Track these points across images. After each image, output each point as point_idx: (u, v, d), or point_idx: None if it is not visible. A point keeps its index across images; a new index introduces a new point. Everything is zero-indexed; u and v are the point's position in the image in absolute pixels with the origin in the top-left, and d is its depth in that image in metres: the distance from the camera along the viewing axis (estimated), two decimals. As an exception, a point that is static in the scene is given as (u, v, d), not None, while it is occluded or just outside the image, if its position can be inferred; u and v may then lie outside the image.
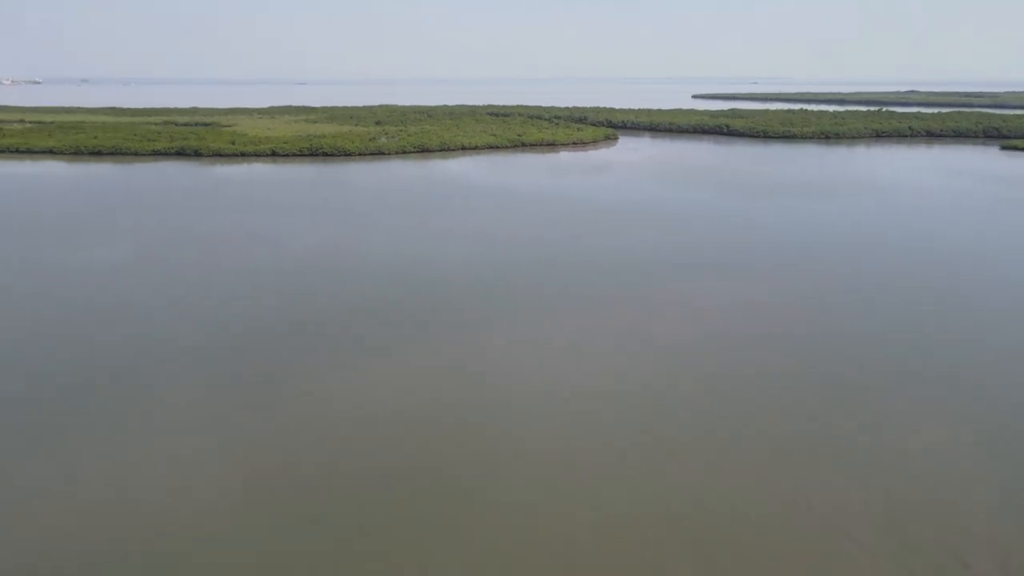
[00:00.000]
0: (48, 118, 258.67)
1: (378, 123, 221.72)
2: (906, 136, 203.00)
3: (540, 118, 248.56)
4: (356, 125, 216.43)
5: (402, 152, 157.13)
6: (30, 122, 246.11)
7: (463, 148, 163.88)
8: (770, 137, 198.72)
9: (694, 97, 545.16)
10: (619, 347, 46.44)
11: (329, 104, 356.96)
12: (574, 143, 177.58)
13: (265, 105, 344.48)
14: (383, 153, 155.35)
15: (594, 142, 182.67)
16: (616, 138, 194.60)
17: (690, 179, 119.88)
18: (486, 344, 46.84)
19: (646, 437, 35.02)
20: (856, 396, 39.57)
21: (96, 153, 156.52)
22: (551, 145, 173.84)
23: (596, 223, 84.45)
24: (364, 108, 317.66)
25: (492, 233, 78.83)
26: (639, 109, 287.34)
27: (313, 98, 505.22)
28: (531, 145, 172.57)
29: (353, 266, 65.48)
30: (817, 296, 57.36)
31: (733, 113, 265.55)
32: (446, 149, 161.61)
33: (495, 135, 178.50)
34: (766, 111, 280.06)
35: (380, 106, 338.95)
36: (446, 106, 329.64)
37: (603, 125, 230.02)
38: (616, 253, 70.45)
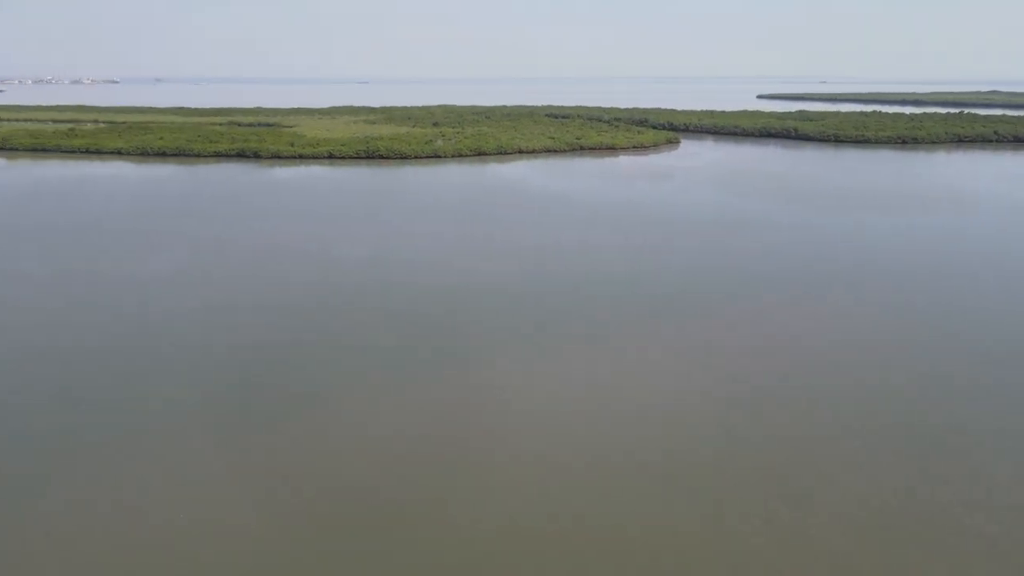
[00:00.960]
0: (120, 118, 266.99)
1: (435, 124, 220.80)
2: (991, 141, 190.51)
3: (599, 120, 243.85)
4: (414, 126, 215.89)
5: (458, 155, 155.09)
6: (103, 122, 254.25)
7: (520, 151, 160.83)
8: (842, 141, 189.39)
9: (759, 98, 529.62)
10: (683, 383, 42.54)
11: (388, 104, 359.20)
12: (634, 147, 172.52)
13: (326, 105, 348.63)
14: (439, 156, 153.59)
15: (655, 146, 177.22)
16: (678, 142, 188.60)
17: (757, 188, 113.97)
18: (537, 375, 43.65)
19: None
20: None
21: (161, 154, 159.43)
22: (611, 149, 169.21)
23: (655, 236, 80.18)
24: (422, 108, 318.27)
25: (541, 245, 75.46)
26: (701, 111, 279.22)
27: (374, 97, 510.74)
28: (590, 149, 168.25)
29: (399, 280, 63.02)
30: (906, 336, 52.10)
31: (801, 115, 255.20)
32: (503, 152, 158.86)
33: (553, 138, 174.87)
34: (837, 113, 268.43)
35: (438, 106, 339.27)
36: (504, 106, 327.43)
37: (664, 128, 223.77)
38: (673, 272, 66.19)
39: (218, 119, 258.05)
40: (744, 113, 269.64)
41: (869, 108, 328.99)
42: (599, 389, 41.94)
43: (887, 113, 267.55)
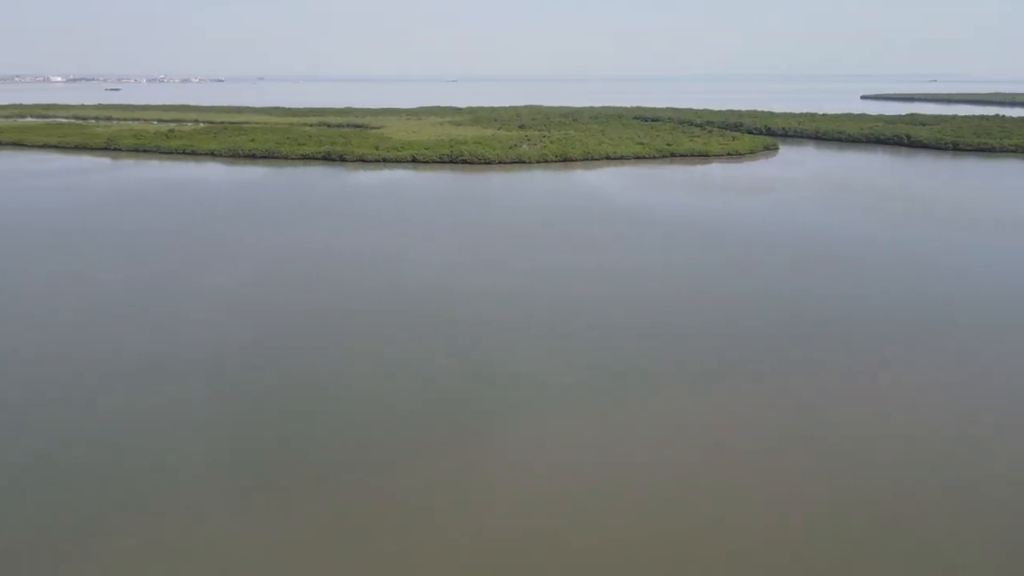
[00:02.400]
0: (219, 118, 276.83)
1: (521, 127, 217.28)
2: None
3: (691, 123, 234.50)
4: (499, 129, 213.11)
5: (543, 161, 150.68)
6: (203, 122, 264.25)
7: (607, 158, 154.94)
8: (961, 150, 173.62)
9: (863, 98, 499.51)
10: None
11: (474, 104, 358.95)
12: (728, 154, 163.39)
13: (414, 105, 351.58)
14: (524, 162, 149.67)
15: (751, 153, 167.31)
16: (775, 148, 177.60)
17: (868, 206, 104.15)
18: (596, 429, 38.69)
19: None
20: None
21: (251, 156, 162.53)
22: (703, 156, 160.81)
23: (750, 263, 73.17)
24: (509, 109, 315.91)
25: (619, 271, 69.92)
26: (801, 114, 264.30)
27: (462, 96, 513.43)
28: (681, 156, 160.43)
29: (463, 311, 59.08)
30: (1060, 390, 44.05)
31: (912, 119, 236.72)
32: (589, 159, 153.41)
33: (642, 143, 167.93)
34: (953, 117, 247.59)
35: (525, 107, 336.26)
36: (592, 107, 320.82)
37: (760, 133, 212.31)
38: (772, 310, 59.44)
39: (310, 119, 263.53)
40: (848, 116, 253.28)
41: (989, 111, 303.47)
42: (677, 471, 36.56)
43: (1011, 117, 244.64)
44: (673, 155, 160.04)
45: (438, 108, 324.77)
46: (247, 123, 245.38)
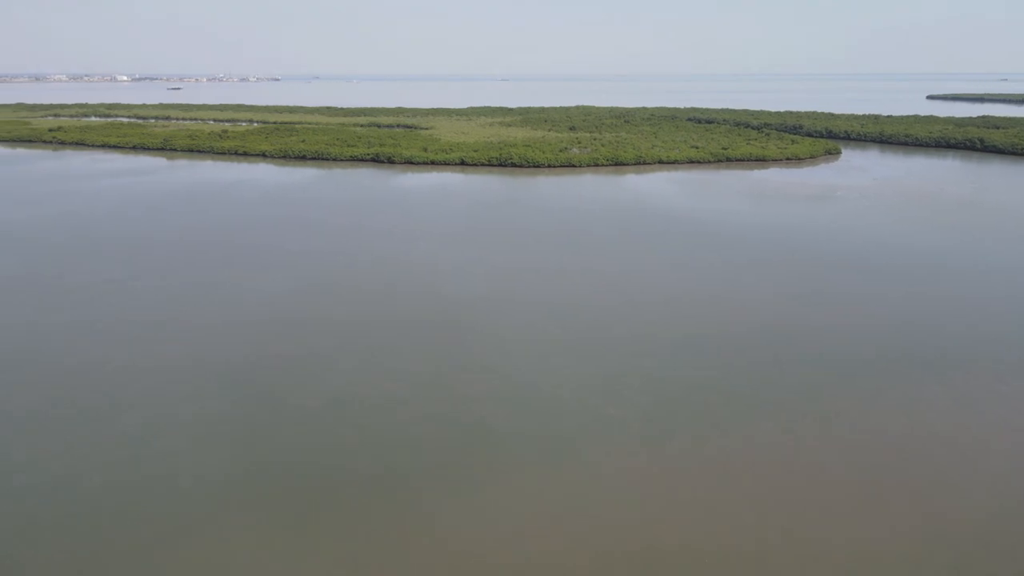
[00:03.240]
0: (272, 118, 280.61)
1: (572, 129, 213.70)
2: None
3: (747, 126, 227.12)
4: (549, 130, 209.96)
5: (594, 164, 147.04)
6: (257, 121, 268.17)
7: (660, 162, 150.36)
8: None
9: (929, 99, 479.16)
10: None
11: (525, 104, 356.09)
12: (787, 159, 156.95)
13: (464, 105, 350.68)
14: (573, 165, 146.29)
15: (811, 158, 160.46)
16: (837, 152, 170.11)
17: (940, 218, 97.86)
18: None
19: None
20: None
21: (301, 157, 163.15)
22: (760, 161, 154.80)
23: (813, 287, 68.61)
24: (559, 109, 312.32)
25: (671, 289, 66.25)
26: (864, 115, 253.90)
27: (512, 95, 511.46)
28: (737, 160, 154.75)
29: (497, 324, 56.33)
30: None
31: (985, 121, 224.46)
32: (641, 163, 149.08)
33: (697, 147, 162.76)
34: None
35: (576, 107, 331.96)
36: (644, 108, 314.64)
37: (821, 136, 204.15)
38: (833, 337, 55.06)
39: (361, 119, 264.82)
40: (915, 118, 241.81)
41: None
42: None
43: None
44: (729, 160, 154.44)
45: (488, 108, 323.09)
46: (299, 123, 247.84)
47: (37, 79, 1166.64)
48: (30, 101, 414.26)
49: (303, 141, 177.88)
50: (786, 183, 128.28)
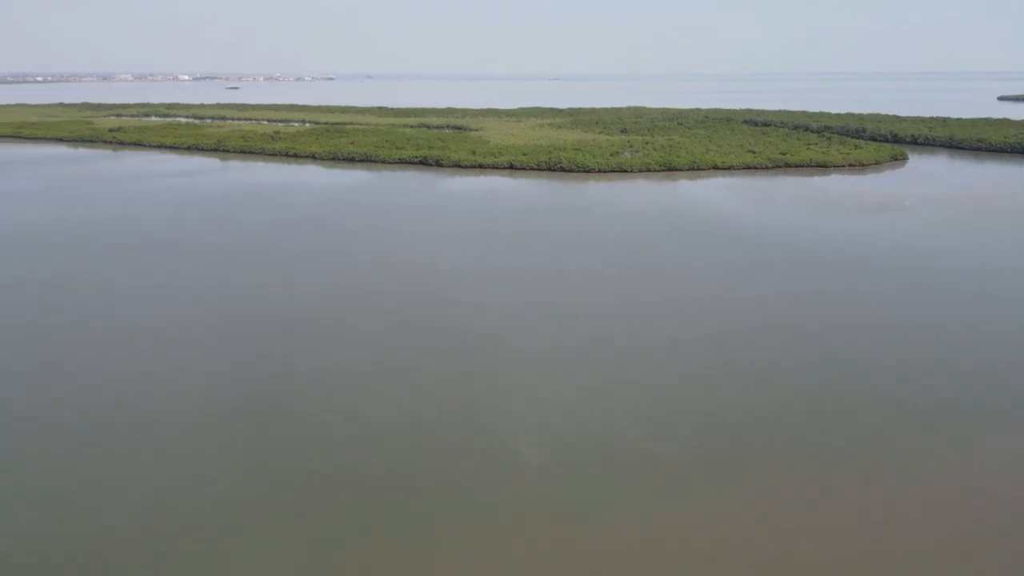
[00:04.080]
0: (324, 118, 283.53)
1: (623, 131, 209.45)
2: None
3: (806, 128, 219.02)
4: (600, 132, 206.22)
5: (646, 169, 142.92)
6: (309, 122, 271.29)
7: (715, 167, 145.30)
8: None
9: (1000, 99, 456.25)
10: None
11: (575, 105, 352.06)
12: (850, 165, 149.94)
13: (514, 106, 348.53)
14: (625, 170, 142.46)
15: (876, 164, 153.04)
16: (904, 158, 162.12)
17: (1020, 235, 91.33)
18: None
19: None
20: None
21: (350, 159, 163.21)
22: (821, 167, 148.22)
23: (880, 306, 63.93)
24: (610, 111, 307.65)
25: (721, 307, 62.41)
26: (931, 118, 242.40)
27: (563, 95, 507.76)
28: (796, 166, 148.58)
29: (531, 345, 53.52)
30: None
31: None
32: (695, 168, 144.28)
33: (753, 152, 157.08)
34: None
35: (627, 108, 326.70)
36: (699, 109, 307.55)
37: (885, 140, 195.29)
38: (907, 376, 50.61)
39: (411, 120, 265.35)
40: (987, 121, 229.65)
41: None
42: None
43: None
44: (788, 165, 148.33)
45: (538, 109, 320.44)
46: (350, 124, 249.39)
47: (104, 79, 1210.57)
48: (95, 101, 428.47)
49: (352, 143, 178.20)
50: (850, 192, 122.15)
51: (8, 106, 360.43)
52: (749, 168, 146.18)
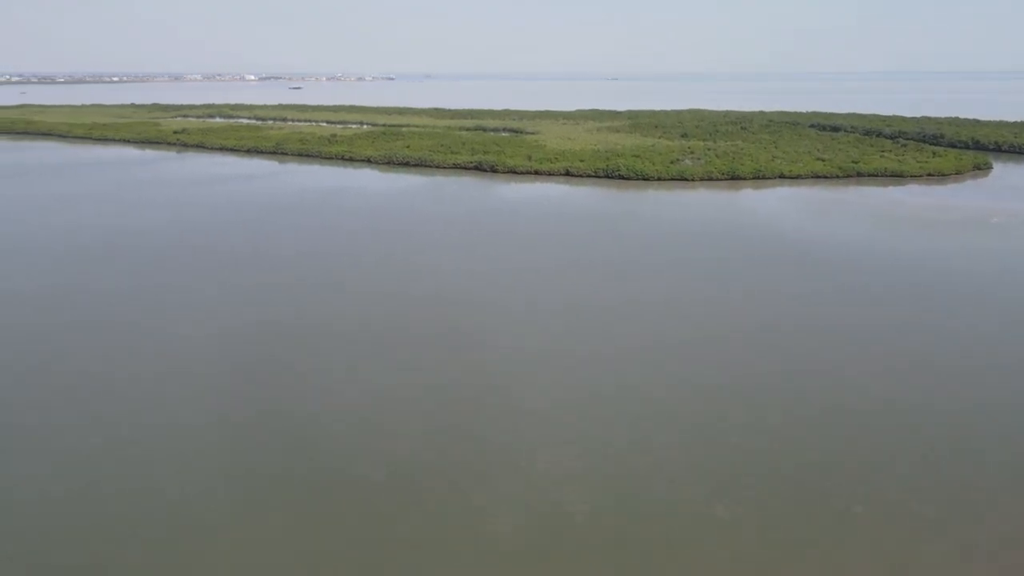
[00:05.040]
0: (382, 119, 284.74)
1: (683, 136, 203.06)
2: None
3: (879, 134, 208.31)
4: (660, 137, 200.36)
5: (708, 178, 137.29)
6: (367, 123, 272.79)
7: (781, 176, 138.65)
8: None
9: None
10: None
11: (634, 107, 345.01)
12: (928, 174, 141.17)
13: (571, 108, 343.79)
14: (686, 179, 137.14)
15: (956, 174, 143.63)
16: (987, 167, 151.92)
17: None
18: None
19: None
20: None
21: (405, 163, 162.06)
22: (897, 176, 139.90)
23: (969, 345, 58.17)
24: (670, 113, 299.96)
25: (790, 341, 57.62)
26: (1016, 122, 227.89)
27: (621, 96, 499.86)
28: (869, 175, 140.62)
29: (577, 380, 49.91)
30: None
31: None
32: (760, 177, 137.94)
33: (823, 159, 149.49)
34: None
35: (688, 111, 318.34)
36: (763, 112, 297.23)
37: (966, 146, 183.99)
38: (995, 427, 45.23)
39: (467, 122, 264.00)
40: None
41: None
42: None
43: None
44: (859, 174, 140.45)
45: (596, 112, 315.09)
46: (406, 126, 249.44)
47: (176, 79, 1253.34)
48: (165, 101, 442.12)
49: (407, 146, 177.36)
50: (929, 205, 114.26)
51: (84, 106, 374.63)
52: (818, 177, 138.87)
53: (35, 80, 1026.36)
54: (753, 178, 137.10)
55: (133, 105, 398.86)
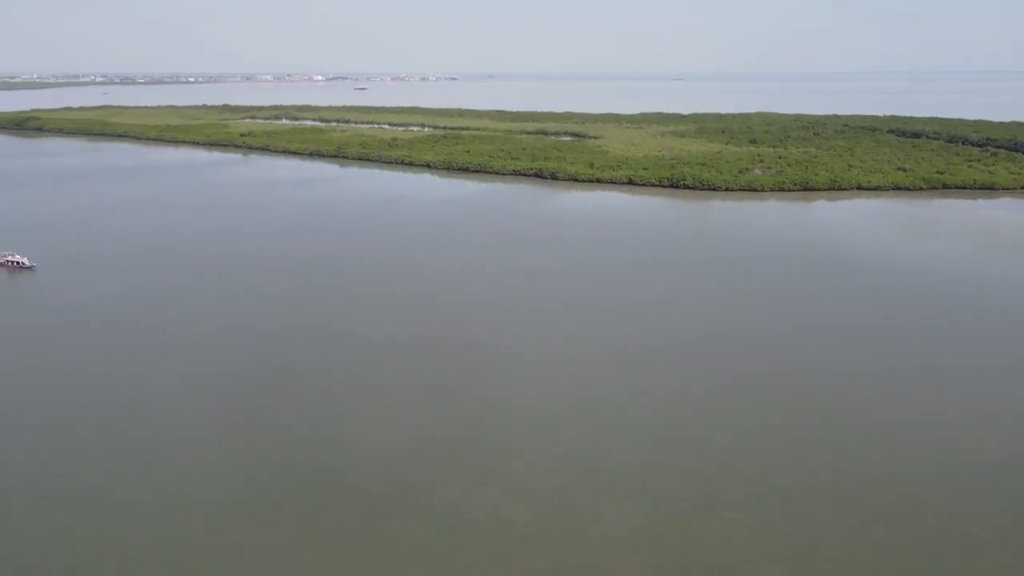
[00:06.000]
0: (443, 121, 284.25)
1: (752, 142, 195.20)
2: None
3: (965, 141, 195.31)
4: (727, 143, 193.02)
5: (779, 189, 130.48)
6: (428, 126, 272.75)
7: (858, 187, 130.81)
8: None
9: None
10: None
11: (700, 111, 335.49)
12: (1022, 187, 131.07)
13: (635, 111, 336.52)
14: (755, 189, 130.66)
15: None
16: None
17: None
18: None
19: None
20: None
21: (464, 169, 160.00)
22: (988, 189, 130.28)
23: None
24: (737, 117, 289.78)
25: (863, 383, 52.39)
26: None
27: (688, 97, 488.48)
28: (956, 188, 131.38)
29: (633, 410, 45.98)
30: None
31: None
32: (836, 188, 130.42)
33: (904, 169, 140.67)
34: None
35: (756, 114, 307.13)
36: (837, 116, 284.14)
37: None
38: None
39: (528, 125, 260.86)
40: None
41: None
42: None
43: None
44: (946, 186, 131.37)
45: (660, 115, 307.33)
46: (467, 129, 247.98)
47: (247, 79, 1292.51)
48: (235, 103, 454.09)
49: (467, 151, 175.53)
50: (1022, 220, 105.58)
51: (158, 108, 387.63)
52: (899, 188, 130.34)
53: (117, 81, 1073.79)
54: (828, 189, 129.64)
55: (205, 106, 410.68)
